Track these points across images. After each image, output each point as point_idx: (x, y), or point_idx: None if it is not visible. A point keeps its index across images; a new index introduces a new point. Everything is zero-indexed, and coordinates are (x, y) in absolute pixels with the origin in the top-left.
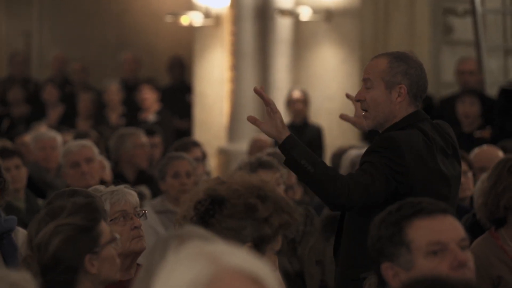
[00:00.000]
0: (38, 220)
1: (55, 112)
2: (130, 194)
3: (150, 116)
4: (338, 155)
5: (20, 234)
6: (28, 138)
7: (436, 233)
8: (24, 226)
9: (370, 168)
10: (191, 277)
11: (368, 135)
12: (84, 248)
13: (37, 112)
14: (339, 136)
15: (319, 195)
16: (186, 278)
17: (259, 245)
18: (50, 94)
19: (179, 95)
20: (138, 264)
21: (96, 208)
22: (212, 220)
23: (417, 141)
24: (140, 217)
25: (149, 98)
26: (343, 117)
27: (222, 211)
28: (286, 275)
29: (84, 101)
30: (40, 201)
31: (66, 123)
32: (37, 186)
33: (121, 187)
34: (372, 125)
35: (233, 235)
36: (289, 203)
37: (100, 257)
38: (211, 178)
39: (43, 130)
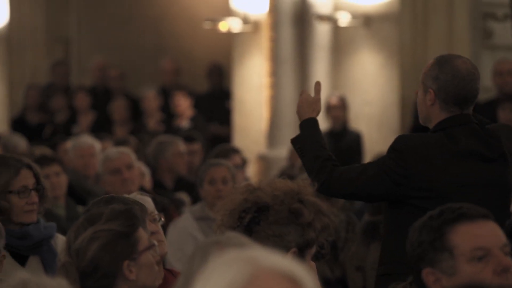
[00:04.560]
0: (77, 227)
1: (86, 119)
2: (144, 201)
3: (184, 123)
4: None
5: (60, 241)
6: (69, 145)
7: (479, 239)
8: (65, 233)
9: (367, 164)
10: (228, 279)
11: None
12: (122, 254)
13: (71, 119)
14: (378, 141)
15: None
16: (224, 280)
17: (302, 250)
18: (81, 101)
19: (218, 101)
20: (166, 270)
21: (134, 215)
22: (257, 227)
23: (433, 145)
24: (158, 221)
25: (182, 104)
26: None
27: (267, 218)
28: (327, 282)
29: (118, 108)
30: (80, 208)
31: (104, 129)
32: (77, 193)
33: (135, 194)
34: (422, 123)
35: (278, 242)
36: (325, 205)
37: (138, 264)
38: (241, 185)
39: (81, 137)
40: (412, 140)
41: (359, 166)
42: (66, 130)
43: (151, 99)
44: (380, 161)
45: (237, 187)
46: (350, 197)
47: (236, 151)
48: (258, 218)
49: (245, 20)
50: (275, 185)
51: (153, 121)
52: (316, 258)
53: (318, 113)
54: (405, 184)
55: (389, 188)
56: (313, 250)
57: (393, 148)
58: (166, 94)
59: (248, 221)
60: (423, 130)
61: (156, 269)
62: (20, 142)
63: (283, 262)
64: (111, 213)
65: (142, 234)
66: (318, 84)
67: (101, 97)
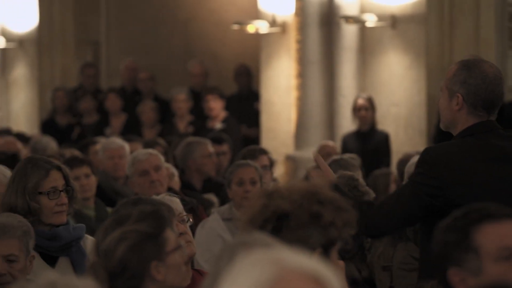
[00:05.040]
0: (105, 227)
1: (118, 120)
2: (172, 202)
3: (217, 125)
4: (404, 161)
5: (89, 242)
6: (98, 147)
7: (506, 238)
8: (94, 234)
9: (399, 191)
10: (255, 279)
11: (434, 141)
12: (150, 255)
13: (104, 121)
14: (405, 142)
15: None
16: (250, 281)
17: (327, 249)
18: (113, 103)
19: (246, 103)
20: (194, 270)
21: (162, 216)
22: (280, 234)
23: (465, 152)
24: (186, 222)
25: (216, 107)
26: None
27: (288, 225)
28: (355, 282)
29: (147, 110)
30: (110, 210)
31: (133, 132)
32: (106, 194)
33: (163, 195)
34: (444, 128)
35: (302, 245)
36: (343, 200)
37: (165, 264)
38: (257, 191)
39: (111, 139)
40: (442, 150)
41: (392, 196)
42: (97, 131)
43: (181, 101)
44: (410, 182)
45: (253, 194)
46: (397, 228)
47: (263, 152)
48: (279, 227)
49: (273, 22)
50: (292, 188)
51: (183, 123)
52: (343, 255)
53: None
54: (441, 195)
55: (429, 205)
56: (337, 247)
57: (422, 161)
58: (195, 96)
59: (270, 231)
60: (448, 133)
61: (184, 269)
62: (50, 144)
63: (308, 262)
64: (139, 214)
65: (170, 235)
66: (316, 156)
67: (130, 98)
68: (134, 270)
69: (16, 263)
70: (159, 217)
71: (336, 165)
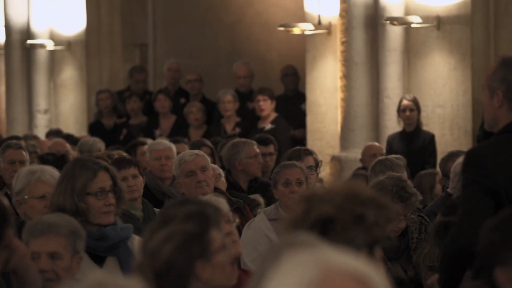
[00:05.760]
0: (152, 228)
1: (168, 122)
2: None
3: (267, 125)
4: (447, 160)
5: (136, 242)
6: (146, 148)
7: None
8: (141, 234)
9: (463, 205)
10: (300, 280)
11: (478, 141)
12: (195, 254)
13: (152, 122)
14: (451, 143)
15: None
16: (295, 281)
17: (372, 249)
18: (162, 104)
19: (293, 104)
20: (241, 270)
21: (208, 216)
22: (325, 238)
23: (504, 148)
24: (232, 222)
25: (267, 107)
26: None
27: (333, 229)
28: (401, 282)
29: (194, 111)
30: (157, 211)
31: (181, 133)
32: (153, 195)
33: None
34: (488, 128)
35: (347, 247)
36: (383, 196)
37: (211, 264)
38: (297, 196)
39: (158, 140)
40: (485, 149)
41: (462, 212)
42: (146, 133)
43: (227, 102)
44: (467, 191)
45: (294, 198)
46: None
47: (309, 153)
48: (324, 231)
49: (319, 23)
50: (331, 191)
51: (230, 124)
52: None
53: None
54: (497, 192)
55: (495, 201)
56: (381, 245)
57: (468, 164)
58: (241, 98)
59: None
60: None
61: (230, 269)
62: (97, 145)
63: (353, 263)
64: (185, 214)
65: (216, 235)
66: None
67: (173, 99)
68: (179, 270)
69: (60, 261)
70: (204, 217)
71: (382, 165)
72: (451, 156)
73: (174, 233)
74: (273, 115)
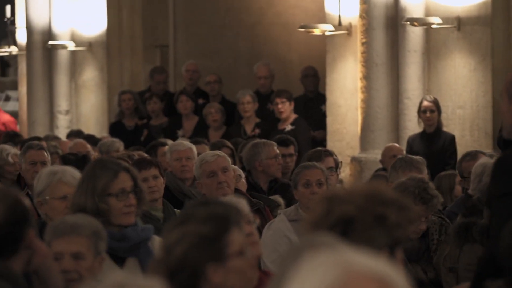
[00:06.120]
0: (170, 226)
1: (190, 123)
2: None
3: (287, 127)
4: (461, 160)
5: (157, 243)
6: (167, 149)
7: None
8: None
9: (497, 216)
10: (320, 281)
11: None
12: (207, 257)
13: (175, 123)
14: (471, 144)
15: None
16: (315, 282)
17: (393, 249)
18: (184, 105)
19: (313, 105)
20: (261, 271)
21: (226, 218)
22: (345, 238)
23: None
24: (253, 223)
25: (286, 109)
26: None
27: (354, 229)
28: (421, 284)
29: (211, 112)
30: (177, 211)
31: (201, 134)
32: (174, 196)
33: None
34: (507, 135)
35: (368, 247)
36: (404, 197)
37: (225, 268)
38: (318, 197)
39: (179, 141)
40: (510, 157)
41: (496, 225)
42: (168, 133)
43: (246, 103)
44: (500, 203)
45: (315, 198)
46: None
47: (329, 154)
48: (345, 232)
49: (339, 24)
50: (353, 191)
51: (250, 125)
52: (409, 257)
53: None
54: None
55: None
56: (402, 246)
57: (499, 172)
58: (261, 99)
59: (335, 235)
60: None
61: (248, 273)
62: (115, 145)
63: (374, 264)
64: (203, 216)
65: (234, 238)
66: None
67: (192, 100)
68: (190, 270)
69: (83, 261)
70: (223, 220)
71: (402, 161)
72: (466, 157)
73: (187, 234)
74: (293, 116)
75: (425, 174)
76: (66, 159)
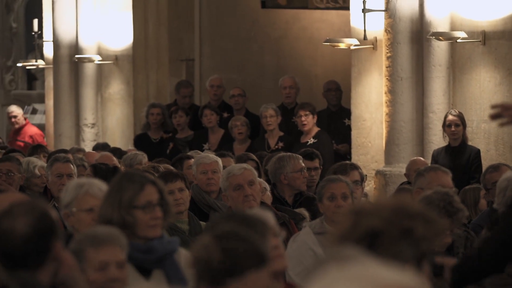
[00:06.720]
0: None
1: (216, 136)
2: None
3: (310, 140)
4: (487, 173)
5: (183, 255)
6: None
7: None
8: (188, 247)
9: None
10: None
11: None
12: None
13: (201, 136)
14: (497, 159)
15: None
16: None
17: (419, 262)
18: (208, 119)
19: (336, 119)
20: (287, 284)
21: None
22: (372, 252)
23: None
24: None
25: (309, 122)
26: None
27: (381, 242)
28: None
29: (237, 125)
30: (203, 224)
31: (226, 147)
32: (199, 208)
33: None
34: None
35: (394, 260)
36: (430, 210)
37: (243, 281)
38: (345, 210)
39: (204, 154)
40: None
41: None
42: (194, 146)
43: (269, 117)
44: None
45: (341, 212)
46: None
47: (354, 167)
48: (371, 245)
49: (364, 38)
50: (379, 205)
51: (274, 139)
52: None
53: None
54: None
55: None
56: (429, 259)
57: None
58: (286, 112)
59: (362, 249)
60: None
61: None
62: (138, 158)
63: (401, 277)
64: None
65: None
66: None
67: (220, 114)
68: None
69: (125, 270)
70: (243, 238)
71: (427, 167)
72: (489, 169)
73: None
74: (315, 129)
75: (450, 180)
76: (98, 169)
